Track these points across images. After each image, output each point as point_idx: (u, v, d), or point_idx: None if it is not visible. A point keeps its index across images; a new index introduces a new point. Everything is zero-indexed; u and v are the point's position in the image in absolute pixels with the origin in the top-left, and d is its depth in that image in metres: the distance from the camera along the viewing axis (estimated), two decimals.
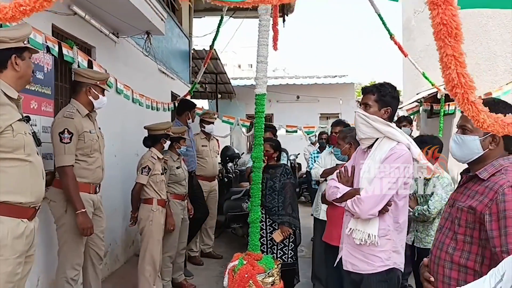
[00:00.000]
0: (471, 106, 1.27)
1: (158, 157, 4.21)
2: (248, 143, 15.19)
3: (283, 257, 4.16)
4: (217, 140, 6.63)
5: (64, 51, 3.65)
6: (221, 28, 6.14)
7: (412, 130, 5.61)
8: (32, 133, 2.36)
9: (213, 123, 6.21)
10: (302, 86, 14.95)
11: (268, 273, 2.26)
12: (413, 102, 8.52)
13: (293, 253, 4.22)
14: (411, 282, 4.29)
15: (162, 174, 4.25)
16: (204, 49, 9.20)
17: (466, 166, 2.03)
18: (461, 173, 2.05)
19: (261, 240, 4.10)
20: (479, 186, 1.86)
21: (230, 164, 8.39)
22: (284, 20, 9.39)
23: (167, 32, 7.12)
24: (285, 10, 9.11)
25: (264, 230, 4.20)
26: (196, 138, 6.00)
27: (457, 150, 1.95)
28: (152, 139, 4.28)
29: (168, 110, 6.78)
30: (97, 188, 3.47)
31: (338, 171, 2.77)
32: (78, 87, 3.39)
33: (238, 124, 8.14)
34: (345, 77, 15.36)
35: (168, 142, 4.37)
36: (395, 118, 7.61)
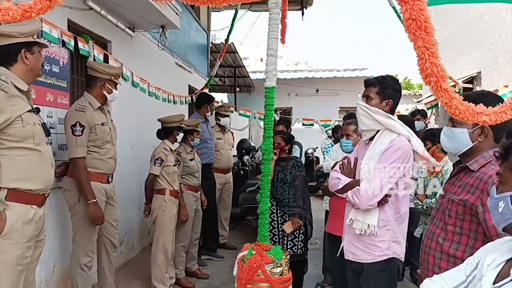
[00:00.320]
0: (444, 93, 1.31)
1: (171, 149, 4.31)
2: None
3: (293, 248, 4.21)
4: (232, 133, 6.70)
5: (80, 45, 3.78)
6: (237, 23, 6.22)
7: (426, 124, 5.55)
8: (41, 123, 2.47)
9: (228, 116, 6.29)
10: (322, 79, 14.82)
11: (276, 263, 2.32)
12: (431, 96, 8.42)
13: (303, 245, 4.27)
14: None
15: (174, 165, 4.35)
16: (222, 42, 9.27)
17: None
18: (453, 164, 2.07)
19: (272, 231, 4.18)
20: (469, 177, 1.88)
21: (246, 157, 8.45)
22: (303, 13, 9.35)
23: (185, 26, 7.21)
24: (304, 3, 9.08)
25: (275, 222, 4.25)
26: (211, 131, 6.09)
27: (448, 143, 1.98)
28: (165, 131, 4.38)
29: (185, 103, 6.90)
30: (109, 178, 3.58)
31: (341, 162, 2.81)
32: (92, 81, 3.49)
33: (254, 117, 8.20)
34: (365, 70, 15.16)
35: (181, 135, 4.46)
36: (409, 112, 7.56)
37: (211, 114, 5.96)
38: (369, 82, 2.59)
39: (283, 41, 3.41)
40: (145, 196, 4.35)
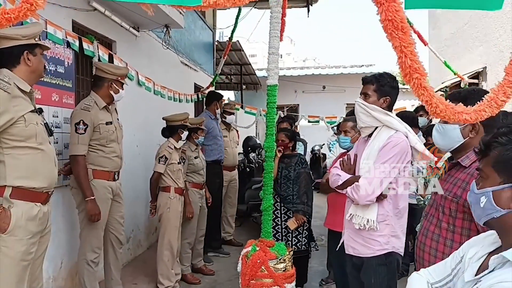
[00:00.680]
0: (424, 91, 1.34)
1: (175, 147, 4.36)
2: None
3: (297, 245, 4.25)
4: (237, 130, 6.75)
5: (85, 45, 3.84)
6: (241, 21, 6.25)
7: (429, 120, 5.54)
8: (44, 123, 2.54)
9: (233, 113, 6.34)
10: (328, 76, 14.75)
11: (279, 259, 2.35)
12: (437, 91, 8.40)
13: (306, 241, 4.31)
14: None
15: (179, 163, 4.41)
16: (227, 40, 9.30)
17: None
18: (446, 161, 2.09)
19: (276, 228, 4.22)
20: (461, 173, 1.91)
21: (252, 154, 8.50)
22: (308, 10, 9.34)
23: (190, 24, 7.26)
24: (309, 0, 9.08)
25: (279, 218, 4.30)
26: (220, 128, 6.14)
27: (439, 139, 2.00)
28: (170, 130, 4.44)
29: (191, 101, 6.94)
30: (115, 176, 3.64)
31: (341, 159, 2.85)
32: (99, 81, 3.55)
33: (260, 115, 8.24)
34: (372, 66, 15.11)
35: (186, 133, 4.51)
36: (413, 108, 7.54)
37: (221, 111, 6.01)
38: (366, 80, 2.62)
39: (281, 39, 3.44)
40: (150, 194, 4.41)
